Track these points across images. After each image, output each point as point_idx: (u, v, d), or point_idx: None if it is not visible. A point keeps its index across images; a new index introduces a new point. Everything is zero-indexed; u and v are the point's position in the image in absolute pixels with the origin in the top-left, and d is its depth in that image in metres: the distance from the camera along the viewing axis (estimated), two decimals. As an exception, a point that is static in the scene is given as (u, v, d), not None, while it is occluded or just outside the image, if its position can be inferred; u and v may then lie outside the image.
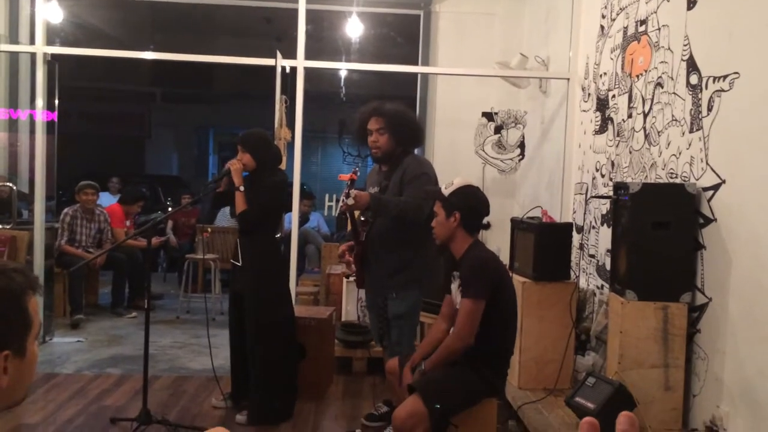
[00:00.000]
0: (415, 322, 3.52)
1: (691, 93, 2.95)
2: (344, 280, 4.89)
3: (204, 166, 16.19)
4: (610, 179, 3.84)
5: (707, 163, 2.80)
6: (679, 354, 2.79)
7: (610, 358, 3.01)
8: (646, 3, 3.48)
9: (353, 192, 3.11)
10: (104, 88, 13.32)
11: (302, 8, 4.88)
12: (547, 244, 3.51)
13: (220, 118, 15.13)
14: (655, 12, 3.37)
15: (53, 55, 4.95)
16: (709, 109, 2.79)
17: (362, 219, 3.45)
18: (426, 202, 3.06)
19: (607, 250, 3.49)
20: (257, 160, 3.58)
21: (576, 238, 4.19)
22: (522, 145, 5.63)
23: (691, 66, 2.97)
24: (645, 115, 3.43)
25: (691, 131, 2.93)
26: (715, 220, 2.74)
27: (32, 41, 5.13)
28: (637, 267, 2.82)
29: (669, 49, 3.19)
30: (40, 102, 4.89)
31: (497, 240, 4.48)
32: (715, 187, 2.74)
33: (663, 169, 3.19)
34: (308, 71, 5.01)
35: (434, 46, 6.24)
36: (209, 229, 6.75)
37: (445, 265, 2.97)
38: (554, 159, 5.01)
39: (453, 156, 5.89)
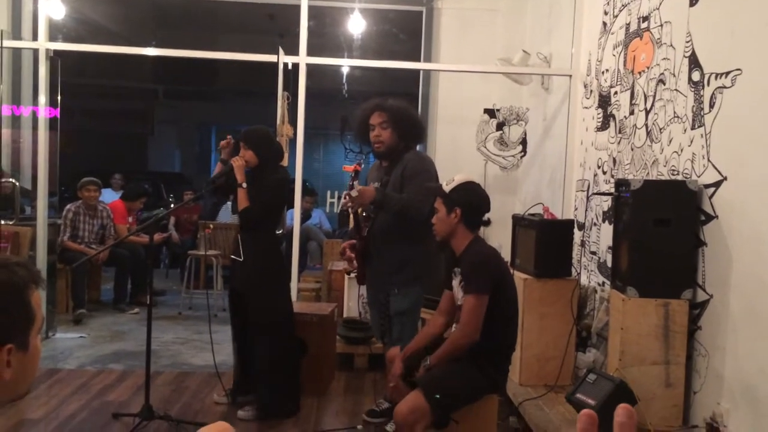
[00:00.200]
0: (416, 318, 3.53)
1: (693, 90, 2.95)
2: (346, 276, 4.90)
3: (206, 163, 16.18)
4: (612, 176, 3.84)
5: (709, 160, 2.80)
6: (680, 351, 2.80)
7: (611, 354, 3.02)
8: (649, 0, 3.48)
9: (357, 185, 3.12)
10: (107, 85, 13.33)
11: (305, 4, 4.88)
12: (548, 240, 3.51)
13: (222, 115, 15.13)
14: (658, 9, 3.36)
15: (56, 52, 4.96)
16: (711, 106, 2.79)
17: (364, 214, 3.46)
18: (427, 199, 3.06)
19: (609, 247, 3.48)
20: (259, 157, 3.58)
21: (577, 235, 4.19)
22: (524, 142, 5.62)
23: (694, 63, 2.96)
24: (647, 112, 3.42)
25: (692, 128, 2.93)
26: (717, 217, 2.74)
27: (35, 37, 5.14)
28: (639, 264, 2.82)
29: (671, 45, 3.19)
30: (42, 98, 4.90)
31: (499, 237, 4.49)
32: (717, 184, 2.73)
33: (665, 166, 3.19)
34: (310, 68, 5.01)
35: (436, 42, 6.24)
36: (211, 226, 6.76)
37: (446, 262, 2.98)
38: (556, 156, 5.01)
39: (455, 153, 5.89)
